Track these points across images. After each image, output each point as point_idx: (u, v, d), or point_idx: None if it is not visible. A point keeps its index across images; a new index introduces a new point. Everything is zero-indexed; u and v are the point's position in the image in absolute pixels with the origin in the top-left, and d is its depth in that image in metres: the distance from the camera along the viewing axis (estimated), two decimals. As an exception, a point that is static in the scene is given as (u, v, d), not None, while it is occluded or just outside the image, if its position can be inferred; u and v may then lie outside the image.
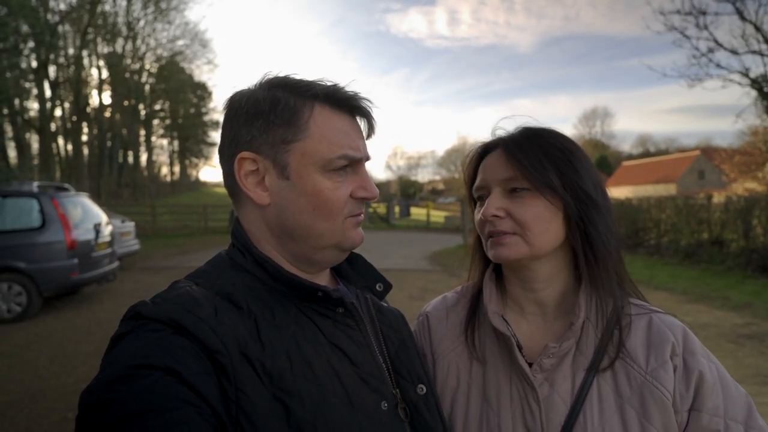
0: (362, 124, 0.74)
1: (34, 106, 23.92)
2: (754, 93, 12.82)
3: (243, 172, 0.68)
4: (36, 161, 22.40)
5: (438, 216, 29.32)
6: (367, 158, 0.73)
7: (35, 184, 6.46)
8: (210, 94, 40.84)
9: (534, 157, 0.74)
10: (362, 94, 0.73)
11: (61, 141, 26.89)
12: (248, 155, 0.68)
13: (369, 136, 0.75)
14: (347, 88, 0.71)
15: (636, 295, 0.80)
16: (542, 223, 0.73)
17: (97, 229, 6.61)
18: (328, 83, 0.71)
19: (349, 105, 0.71)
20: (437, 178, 78.11)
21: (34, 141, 24.87)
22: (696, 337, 0.73)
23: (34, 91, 23.11)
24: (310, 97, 0.69)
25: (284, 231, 0.69)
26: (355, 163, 0.70)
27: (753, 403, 0.70)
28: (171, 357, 0.52)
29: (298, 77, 0.71)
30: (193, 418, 0.48)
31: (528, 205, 0.74)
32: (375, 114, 0.74)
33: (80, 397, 0.50)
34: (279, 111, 0.68)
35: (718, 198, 10.47)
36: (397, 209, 27.39)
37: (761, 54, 12.33)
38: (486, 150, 0.82)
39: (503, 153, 0.77)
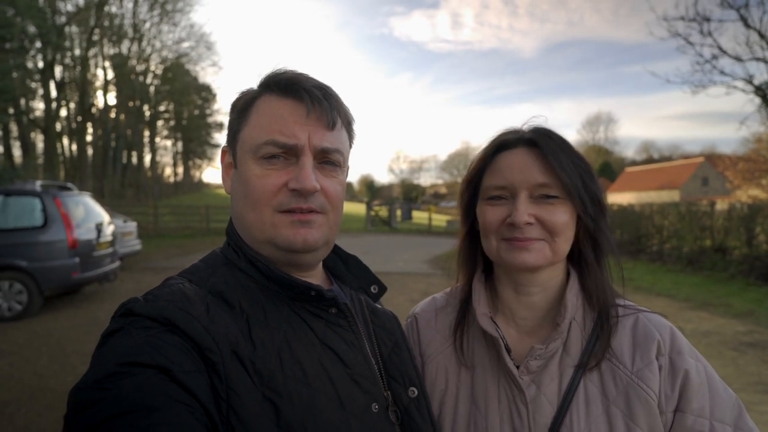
0: (318, 109, 0.66)
1: (39, 106, 24.19)
2: (758, 100, 12.74)
3: (223, 164, 0.74)
4: (40, 161, 22.51)
5: (440, 220, 29.36)
6: (317, 147, 0.66)
7: (38, 183, 6.47)
8: (214, 96, 41.08)
9: (568, 166, 0.73)
10: (308, 75, 0.69)
11: (65, 141, 27.08)
12: (225, 148, 0.74)
13: (331, 123, 0.67)
14: (295, 71, 0.69)
15: (620, 297, 0.80)
16: (569, 231, 0.74)
17: (98, 228, 6.62)
18: (284, 70, 0.69)
19: (287, 88, 0.67)
20: (439, 182, 78.14)
21: (39, 141, 25.11)
22: (685, 337, 0.73)
23: (40, 91, 23.34)
24: (261, 86, 0.71)
25: (236, 221, 0.72)
26: (295, 151, 0.65)
27: (743, 405, 0.69)
28: (162, 355, 0.51)
29: (278, 70, 0.70)
30: (184, 417, 0.48)
31: (559, 213, 0.73)
32: (328, 94, 0.68)
33: (69, 395, 0.50)
34: (240, 104, 0.71)
35: (721, 205, 10.44)
36: (399, 213, 27.34)
37: (765, 61, 12.27)
38: (503, 146, 0.78)
39: (539, 156, 0.73)
